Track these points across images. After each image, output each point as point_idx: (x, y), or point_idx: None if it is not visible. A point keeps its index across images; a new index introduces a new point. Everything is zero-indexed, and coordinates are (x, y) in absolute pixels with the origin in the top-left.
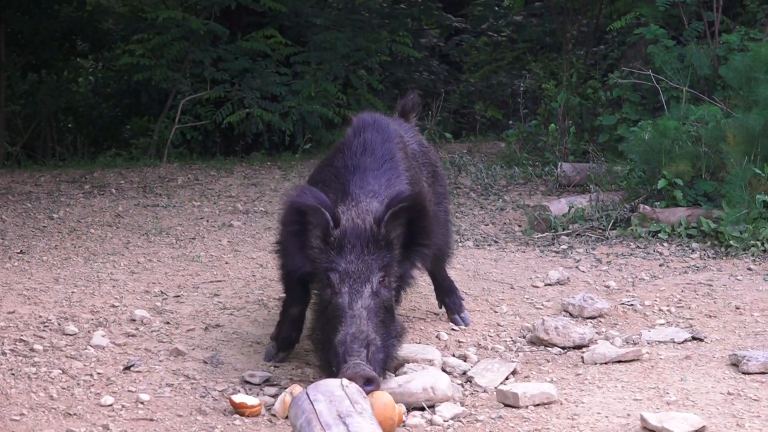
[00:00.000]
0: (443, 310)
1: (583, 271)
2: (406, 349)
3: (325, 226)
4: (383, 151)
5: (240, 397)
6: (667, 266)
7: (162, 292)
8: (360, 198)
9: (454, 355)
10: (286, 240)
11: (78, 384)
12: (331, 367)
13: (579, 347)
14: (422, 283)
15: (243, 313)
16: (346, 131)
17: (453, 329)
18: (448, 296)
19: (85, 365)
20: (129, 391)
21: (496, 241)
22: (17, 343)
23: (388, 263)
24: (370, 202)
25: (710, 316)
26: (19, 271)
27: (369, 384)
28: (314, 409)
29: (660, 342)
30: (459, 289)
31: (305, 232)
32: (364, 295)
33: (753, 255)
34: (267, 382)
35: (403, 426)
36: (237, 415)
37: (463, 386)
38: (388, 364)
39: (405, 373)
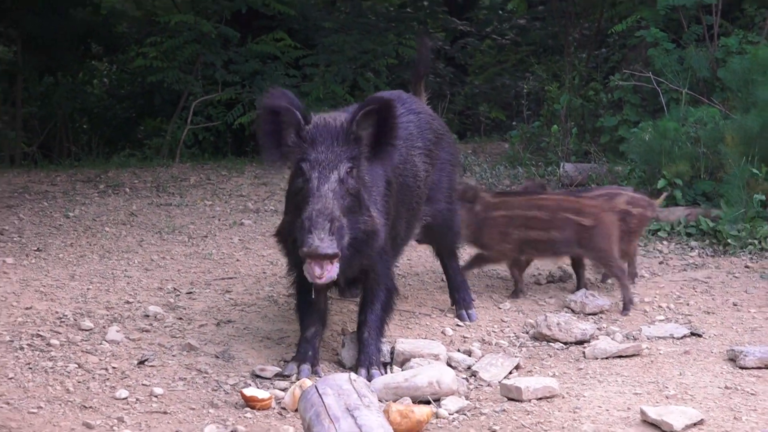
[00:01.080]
0: (448, 307)
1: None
2: (412, 344)
3: (297, 124)
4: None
5: (251, 391)
6: (667, 264)
7: (175, 289)
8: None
9: (459, 350)
10: (263, 139)
11: (93, 378)
12: (297, 245)
13: (580, 343)
14: (428, 279)
15: (254, 309)
16: None
17: (458, 325)
18: (458, 292)
19: (100, 359)
20: (143, 384)
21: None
22: (34, 338)
23: (356, 156)
24: (340, 114)
25: (708, 313)
26: (36, 268)
27: (328, 258)
28: (323, 403)
29: (659, 338)
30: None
31: (280, 132)
32: (330, 180)
33: (750, 253)
34: (277, 376)
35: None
36: (248, 408)
37: (467, 380)
38: (352, 260)
39: (411, 367)
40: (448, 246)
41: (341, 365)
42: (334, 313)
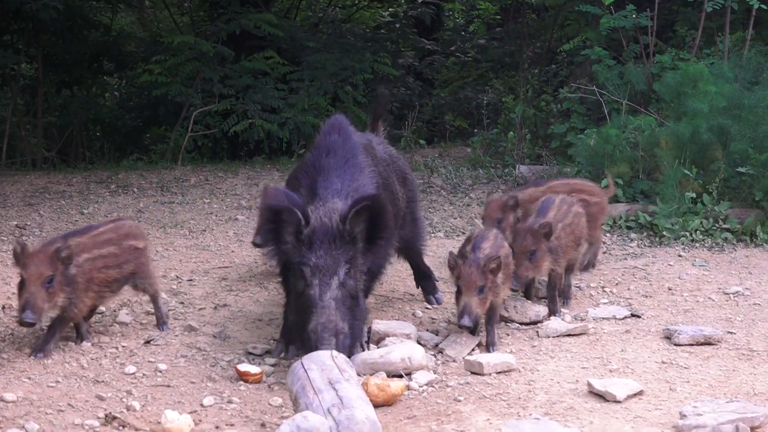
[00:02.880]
0: (419, 291)
1: None
2: (386, 325)
3: (297, 224)
4: (345, 152)
5: (244, 366)
6: (610, 253)
7: (177, 277)
8: (326, 197)
9: (428, 330)
10: (263, 237)
11: (105, 355)
12: (306, 348)
13: (534, 323)
14: (400, 268)
15: (247, 295)
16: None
17: (427, 308)
18: (424, 280)
19: (111, 339)
20: (149, 361)
21: (463, 232)
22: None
23: (353, 256)
24: (335, 202)
25: (646, 296)
26: None
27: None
28: (308, 377)
29: (603, 318)
30: (434, 274)
31: (280, 229)
32: (332, 287)
33: (683, 244)
34: (267, 353)
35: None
36: (242, 382)
37: (435, 357)
38: (355, 345)
39: (386, 345)
40: (414, 255)
41: None
42: None
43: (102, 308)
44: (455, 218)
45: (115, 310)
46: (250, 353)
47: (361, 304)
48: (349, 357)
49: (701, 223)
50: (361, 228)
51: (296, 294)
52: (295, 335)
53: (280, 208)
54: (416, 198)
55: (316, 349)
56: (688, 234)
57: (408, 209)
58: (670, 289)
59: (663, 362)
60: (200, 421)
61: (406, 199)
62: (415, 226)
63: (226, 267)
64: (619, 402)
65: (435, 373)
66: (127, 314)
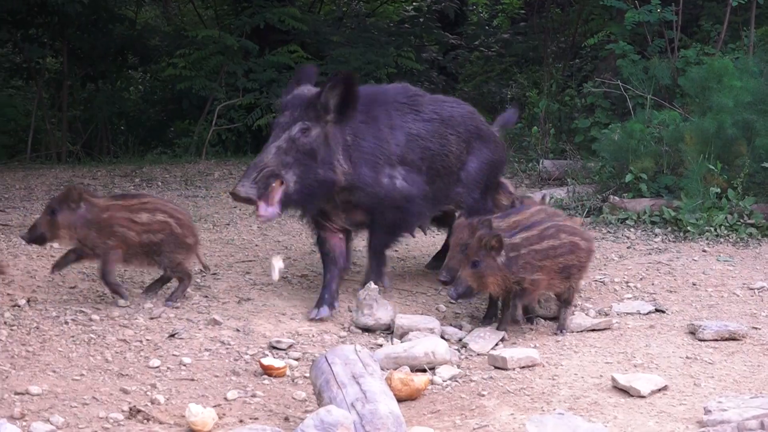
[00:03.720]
0: (441, 288)
1: None
2: (410, 319)
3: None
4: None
5: (268, 360)
6: (634, 248)
7: (201, 271)
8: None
9: (451, 325)
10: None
11: (130, 349)
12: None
13: (555, 318)
14: (425, 262)
15: (270, 288)
16: None
17: (450, 302)
18: None
19: (135, 333)
20: (173, 355)
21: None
22: (78, 314)
23: (314, 118)
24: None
25: (671, 291)
26: None
27: (248, 202)
28: (332, 371)
29: (628, 313)
30: None
31: None
32: (281, 138)
33: (707, 239)
34: (291, 347)
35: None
36: (266, 376)
37: (459, 351)
38: (307, 201)
39: (409, 339)
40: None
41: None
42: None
43: (126, 302)
44: None
45: (139, 304)
46: (274, 347)
47: (332, 167)
48: (259, 195)
49: (726, 218)
50: (336, 100)
51: None
52: None
53: (295, 78)
54: (487, 152)
55: (238, 181)
56: (712, 229)
57: (472, 158)
58: (694, 285)
59: (687, 357)
60: (224, 414)
61: (474, 149)
62: (474, 184)
63: (250, 261)
64: (643, 397)
65: (458, 368)
66: (151, 307)
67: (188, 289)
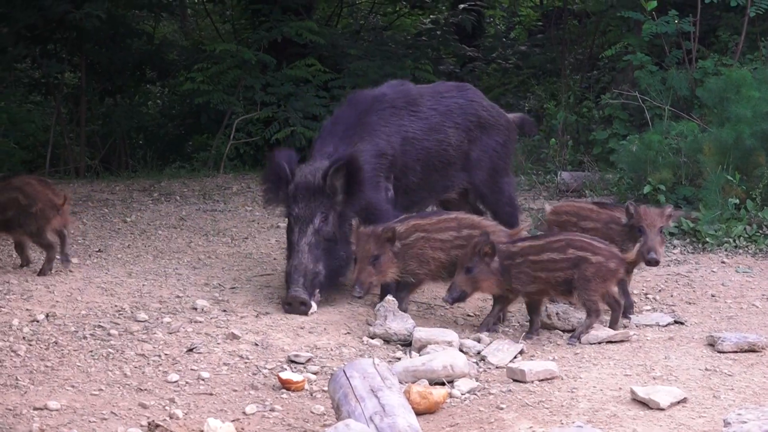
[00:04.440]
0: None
1: None
2: (428, 332)
3: (287, 180)
4: (348, 120)
5: (287, 374)
6: None
7: (220, 285)
8: (316, 158)
9: (469, 338)
10: (264, 189)
11: (148, 363)
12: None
13: (571, 331)
14: None
15: None
16: None
17: (468, 315)
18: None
19: (154, 347)
20: (192, 369)
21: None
22: (96, 328)
23: (328, 207)
24: (322, 162)
25: (690, 303)
26: (97, 267)
27: (303, 305)
28: (350, 385)
29: (646, 325)
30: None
31: (277, 185)
32: (307, 234)
33: (726, 250)
34: (309, 361)
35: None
36: (284, 390)
37: (477, 364)
38: (333, 281)
39: (428, 353)
40: (490, 204)
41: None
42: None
43: (145, 316)
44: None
45: (157, 318)
46: (293, 361)
47: (340, 248)
48: (314, 295)
49: (745, 229)
50: (341, 182)
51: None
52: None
53: (275, 167)
54: (490, 140)
55: (288, 288)
56: (731, 240)
57: (474, 147)
58: (713, 296)
59: (707, 369)
60: (243, 429)
61: (476, 139)
62: (488, 167)
63: (269, 275)
64: (662, 410)
65: (477, 381)
66: (169, 322)
67: (207, 304)
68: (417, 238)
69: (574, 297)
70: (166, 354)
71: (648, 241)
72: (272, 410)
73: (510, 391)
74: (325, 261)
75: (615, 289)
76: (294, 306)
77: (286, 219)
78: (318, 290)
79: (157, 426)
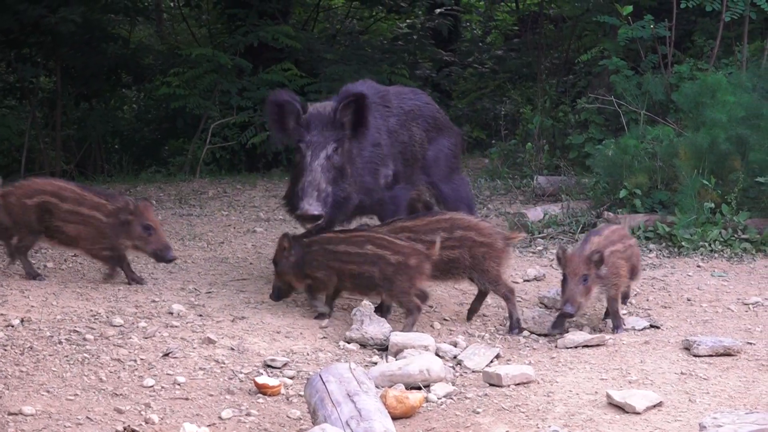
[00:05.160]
0: (437, 303)
1: (556, 269)
2: (404, 337)
3: (296, 113)
4: None
5: (263, 379)
6: None
7: (195, 289)
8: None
9: (446, 342)
10: (270, 126)
11: (124, 368)
12: (294, 209)
13: (545, 335)
14: None
15: (265, 307)
16: None
17: (445, 319)
18: None
19: (129, 352)
20: (167, 374)
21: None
22: (72, 333)
23: (341, 138)
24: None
25: (665, 307)
26: (73, 271)
27: (315, 218)
28: (327, 389)
29: (622, 329)
30: None
31: (282, 119)
32: (320, 157)
33: (701, 254)
34: (286, 366)
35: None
36: (260, 394)
37: (454, 368)
38: (337, 211)
39: (404, 357)
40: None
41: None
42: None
43: (120, 321)
44: None
45: (133, 323)
46: (269, 366)
47: (347, 182)
48: (326, 210)
49: (720, 233)
50: (348, 118)
51: (295, 166)
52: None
53: (283, 101)
54: (445, 137)
55: (301, 200)
56: (707, 244)
57: (433, 146)
58: (689, 300)
59: (682, 373)
60: None
61: (432, 137)
62: (442, 161)
63: (245, 279)
64: (638, 413)
65: (453, 385)
66: (145, 327)
67: (183, 308)
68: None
69: (383, 295)
70: (141, 359)
71: (566, 291)
72: (248, 415)
73: (486, 395)
74: (333, 187)
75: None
76: (305, 220)
77: (297, 151)
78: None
79: (133, 431)
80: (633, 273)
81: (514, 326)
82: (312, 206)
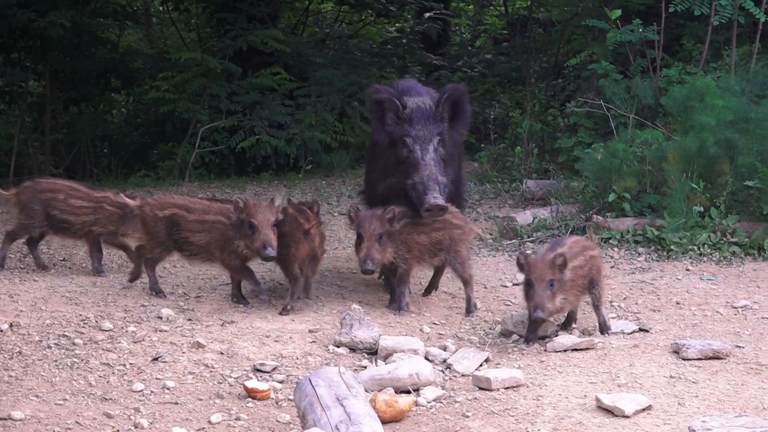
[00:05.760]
0: (424, 309)
1: None
2: (394, 341)
3: (396, 108)
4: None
5: (252, 383)
6: (617, 268)
7: (185, 294)
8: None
9: (435, 346)
10: (373, 122)
11: (113, 373)
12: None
13: (542, 338)
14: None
15: (254, 311)
16: None
17: (434, 323)
18: None
19: (119, 356)
20: (157, 378)
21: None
22: (61, 338)
23: (442, 130)
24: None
25: (654, 311)
26: (62, 276)
27: (442, 210)
28: (316, 393)
29: (612, 333)
30: None
31: (383, 115)
32: (429, 151)
33: (691, 258)
34: (275, 370)
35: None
36: (250, 399)
37: (443, 372)
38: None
39: (394, 361)
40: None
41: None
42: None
43: (110, 326)
44: None
45: (122, 327)
46: (258, 370)
47: (451, 168)
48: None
49: (709, 237)
50: (448, 112)
51: (399, 161)
52: (392, 196)
53: (383, 99)
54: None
55: (425, 194)
56: (695, 248)
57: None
58: (678, 303)
59: (671, 377)
60: None
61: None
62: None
63: None
64: (627, 417)
65: (443, 389)
66: (134, 331)
67: (172, 313)
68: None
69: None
70: (131, 363)
71: (535, 297)
72: (238, 419)
73: (476, 399)
74: (443, 177)
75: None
76: (434, 212)
77: (401, 145)
78: None
79: None
80: (591, 285)
81: (471, 310)
82: (438, 198)
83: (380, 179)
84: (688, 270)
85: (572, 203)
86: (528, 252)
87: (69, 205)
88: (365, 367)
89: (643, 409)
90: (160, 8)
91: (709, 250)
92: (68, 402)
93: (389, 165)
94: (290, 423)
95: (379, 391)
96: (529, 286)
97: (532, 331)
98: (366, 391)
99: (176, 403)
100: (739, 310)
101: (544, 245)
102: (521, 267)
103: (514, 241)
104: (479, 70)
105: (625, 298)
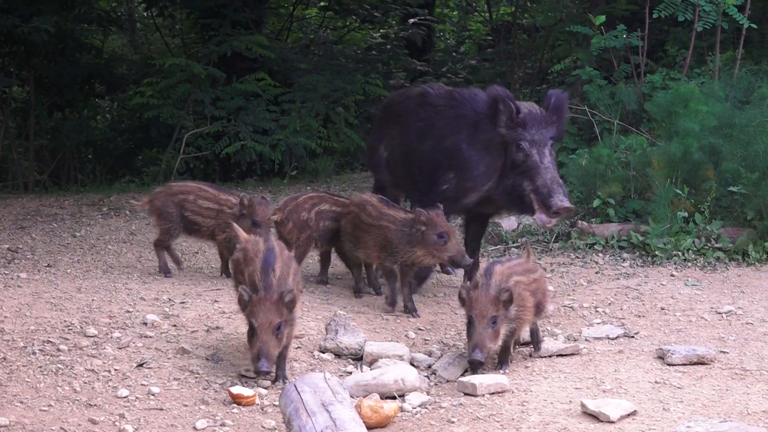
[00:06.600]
0: (410, 315)
1: None
2: (379, 346)
3: (511, 111)
4: None
5: (237, 389)
6: (602, 273)
7: (170, 299)
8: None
9: (421, 352)
10: (480, 122)
11: (98, 379)
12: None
13: (527, 344)
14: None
15: (239, 317)
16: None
17: (420, 329)
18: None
19: (104, 362)
20: (142, 384)
21: None
22: (45, 344)
23: (554, 135)
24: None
25: (639, 316)
26: (46, 282)
27: (570, 212)
28: (301, 399)
29: (596, 338)
30: None
31: (497, 115)
32: (546, 154)
33: (675, 263)
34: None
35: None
36: (235, 405)
37: (428, 378)
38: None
39: (379, 367)
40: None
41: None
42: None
43: (94, 331)
44: None
45: (107, 333)
46: (243, 376)
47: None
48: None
49: (693, 242)
50: (554, 117)
51: (514, 164)
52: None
53: (499, 97)
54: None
55: (551, 197)
56: (680, 253)
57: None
58: (662, 309)
59: (656, 382)
60: None
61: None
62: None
63: (218, 289)
64: (612, 422)
65: (428, 395)
66: (119, 337)
67: (157, 318)
68: None
69: None
70: (116, 369)
71: (474, 336)
72: (223, 425)
73: (461, 404)
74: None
75: None
76: (562, 214)
77: (516, 148)
78: None
79: None
80: (538, 310)
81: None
82: (564, 201)
83: (480, 184)
84: (672, 275)
85: None
86: (471, 284)
87: (198, 206)
88: (350, 373)
89: (628, 415)
90: (145, 14)
91: (693, 256)
92: (53, 408)
93: (491, 169)
94: (275, 429)
95: (365, 396)
96: (469, 324)
97: (475, 370)
98: (351, 396)
99: (161, 409)
100: (724, 315)
101: (484, 264)
102: (462, 302)
103: (499, 246)
104: (464, 75)
105: (609, 304)
